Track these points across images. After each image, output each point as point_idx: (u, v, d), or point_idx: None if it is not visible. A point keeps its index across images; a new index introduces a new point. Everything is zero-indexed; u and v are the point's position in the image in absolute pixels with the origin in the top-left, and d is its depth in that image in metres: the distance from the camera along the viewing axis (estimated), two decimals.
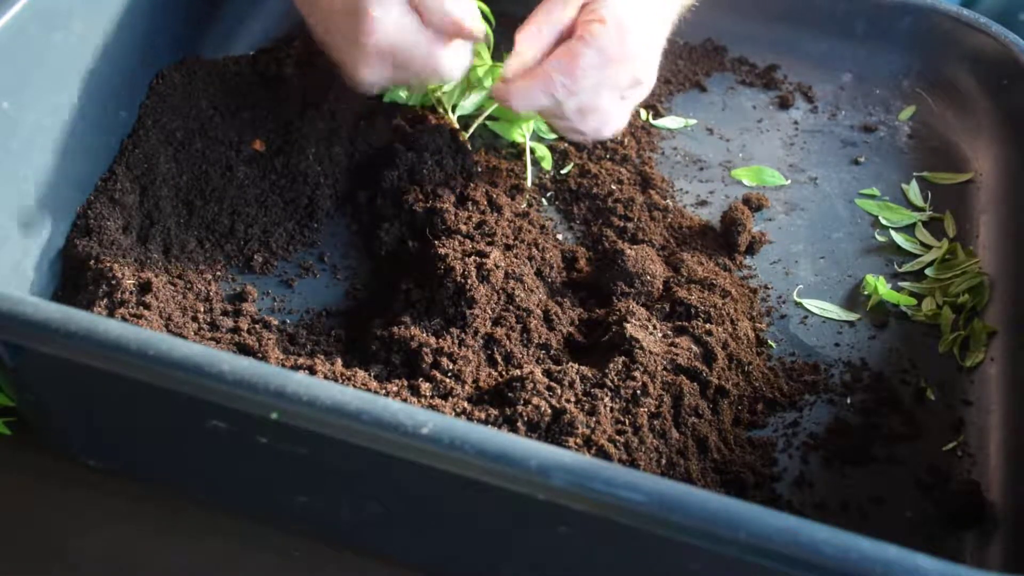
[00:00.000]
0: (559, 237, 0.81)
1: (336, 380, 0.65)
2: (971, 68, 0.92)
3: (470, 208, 0.79)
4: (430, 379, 0.67)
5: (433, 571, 0.63)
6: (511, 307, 0.71)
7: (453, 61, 0.75)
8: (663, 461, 0.64)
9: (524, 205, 0.83)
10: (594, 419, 0.63)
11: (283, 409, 0.50)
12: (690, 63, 0.99)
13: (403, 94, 0.88)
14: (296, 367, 0.66)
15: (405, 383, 0.66)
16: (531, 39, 0.74)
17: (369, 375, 0.67)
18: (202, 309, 0.71)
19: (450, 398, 0.66)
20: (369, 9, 0.70)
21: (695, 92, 0.97)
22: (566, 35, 0.74)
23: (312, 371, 0.66)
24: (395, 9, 0.70)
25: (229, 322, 0.71)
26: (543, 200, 0.85)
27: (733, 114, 0.95)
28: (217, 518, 0.64)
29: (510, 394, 0.65)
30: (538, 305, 0.72)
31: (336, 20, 0.73)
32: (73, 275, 0.71)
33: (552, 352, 0.71)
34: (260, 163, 0.80)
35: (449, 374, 0.67)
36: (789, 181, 0.88)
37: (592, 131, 0.78)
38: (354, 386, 0.65)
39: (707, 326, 0.72)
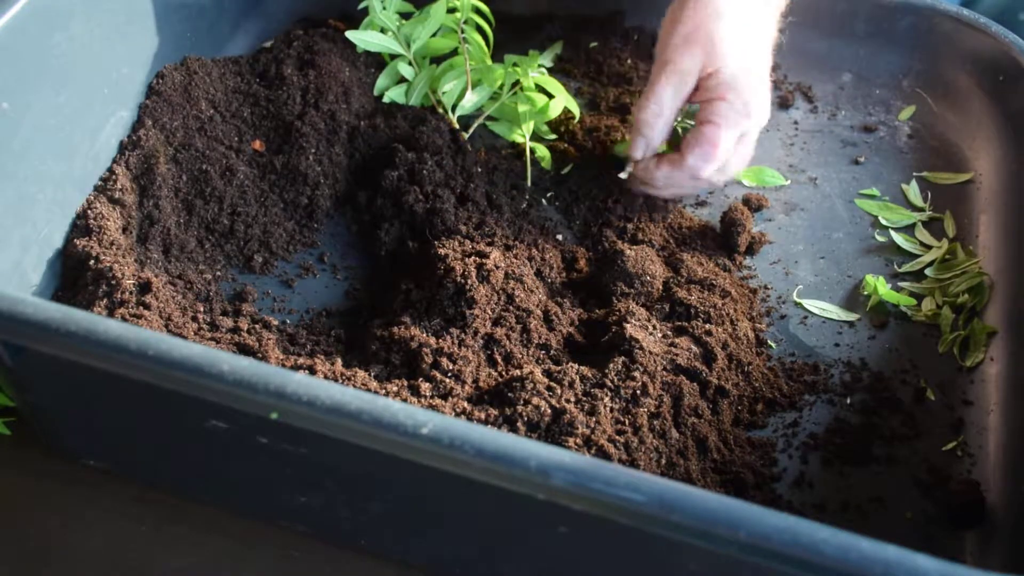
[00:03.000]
0: (559, 237, 0.81)
1: (336, 380, 0.65)
2: (971, 68, 0.92)
3: (470, 208, 0.79)
4: (430, 379, 0.66)
5: (433, 571, 0.63)
6: (511, 307, 0.71)
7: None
8: (663, 461, 0.64)
9: (524, 205, 0.83)
10: (594, 419, 0.63)
11: (283, 409, 0.50)
12: None
13: (403, 94, 0.88)
14: (296, 367, 0.66)
15: (405, 383, 0.66)
16: (653, 120, 0.79)
17: (369, 375, 0.67)
18: (202, 309, 0.71)
19: (450, 398, 0.66)
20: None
21: None
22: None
23: (312, 371, 0.66)
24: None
25: (229, 322, 0.71)
26: (543, 200, 0.85)
27: None
28: (217, 518, 0.64)
29: (510, 394, 0.65)
30: (538, 305, 0.72)
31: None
32: (73, 275, 0.71)
33: (552, 352, 0.71)
34: (260, 163, 0.80)
35: (449, 374, 0.67)
36: (789, 181, 0.88)
37: (718, 180, 0.83)
38: (354, 386, 0.65)
39: (707, 326, 0.72)
